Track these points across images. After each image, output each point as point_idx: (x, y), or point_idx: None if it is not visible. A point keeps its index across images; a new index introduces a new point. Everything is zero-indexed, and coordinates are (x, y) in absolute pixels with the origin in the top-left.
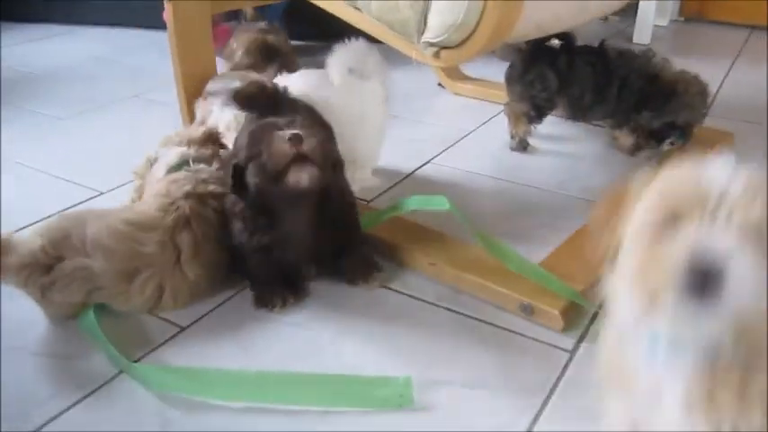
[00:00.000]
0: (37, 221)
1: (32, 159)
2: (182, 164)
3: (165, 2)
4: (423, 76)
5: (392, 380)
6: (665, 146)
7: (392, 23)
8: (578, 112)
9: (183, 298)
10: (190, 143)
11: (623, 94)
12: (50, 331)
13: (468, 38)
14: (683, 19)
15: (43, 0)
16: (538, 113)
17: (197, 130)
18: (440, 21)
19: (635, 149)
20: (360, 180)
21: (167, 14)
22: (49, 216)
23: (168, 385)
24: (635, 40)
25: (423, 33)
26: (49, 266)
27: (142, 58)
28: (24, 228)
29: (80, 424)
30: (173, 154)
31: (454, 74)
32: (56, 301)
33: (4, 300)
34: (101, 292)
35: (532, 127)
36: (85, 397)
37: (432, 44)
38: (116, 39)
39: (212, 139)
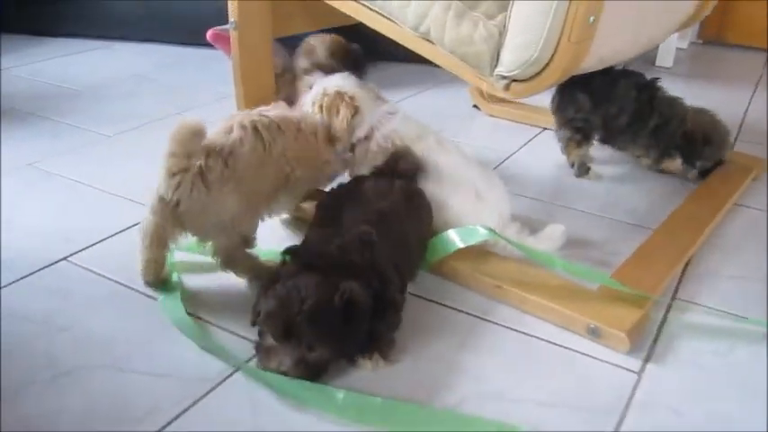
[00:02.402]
0: (99, 241)
1: (87, 177)
2: None
3: (230, 30)
4: (457, 96)
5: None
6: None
7: (465, 56)
8: (611, 134)
9: None
10: None
11: (659, 134)
12: (134, 348)
13: (539, 72)
14: (701, 42)
15: (77, 15)
16: (582, 136)
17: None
18: (515, 56)
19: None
20: None
21: (232, 41)
22: (112, 235)
23: (283, 388)
24: (657, 63)
25: (495, 67)
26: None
27: (179, 75)
28: (82, 251)
29: None
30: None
31: (489, 95)
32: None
33: (90, 316)
34: None
35: (588, 150)
36: (181, 413)
37: (504, 77)
38: (151, 55)
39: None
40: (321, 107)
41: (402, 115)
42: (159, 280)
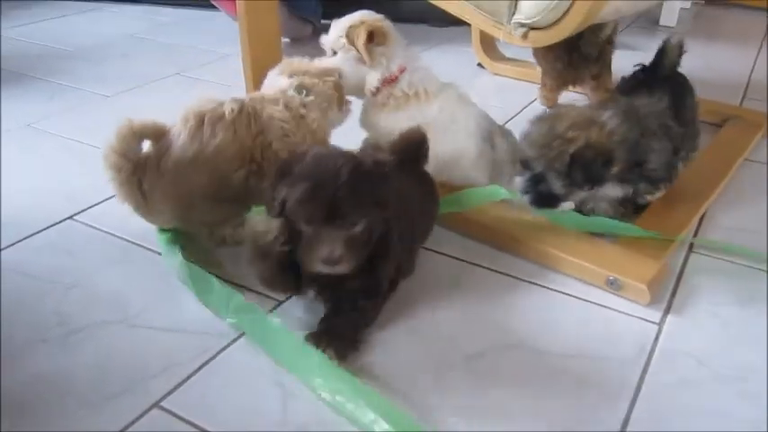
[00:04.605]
0: (104, 200)
1: (87, 137)
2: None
3: None
4: (461, 56)
5: None
6: None
7: (482, 4)
8: None
9: None
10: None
11: None
12: (147, 304)
13: (559, 19)
14: (703, 2)
15: None
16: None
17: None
18: (534, 2)
19: None
20: None
21: (239, 6)
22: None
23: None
24: (662, 22)
25: (514, 14)
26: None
27: (175, 36)
28: (87, 210)
29: (199, 395)
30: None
31: (494, 54)
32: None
33: (99, 273)
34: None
35: None
36: (200, 368)
37: (522, 25)
38: (145, 16)
39: (328, 74)
40: (348, 38)
41: (427, 66)
42: None
